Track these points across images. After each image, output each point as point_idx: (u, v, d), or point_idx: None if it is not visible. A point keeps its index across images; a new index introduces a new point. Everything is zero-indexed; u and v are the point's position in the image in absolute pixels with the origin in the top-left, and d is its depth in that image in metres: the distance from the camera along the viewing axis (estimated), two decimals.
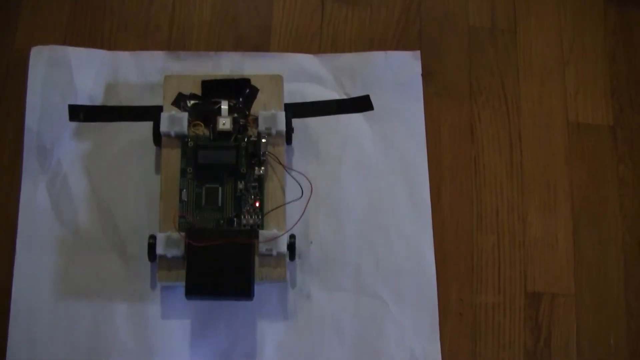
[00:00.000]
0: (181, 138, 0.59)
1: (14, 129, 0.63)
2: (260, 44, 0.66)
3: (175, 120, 0.59)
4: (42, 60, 0.64)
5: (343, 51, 0.66)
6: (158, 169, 0.61)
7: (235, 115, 0.60)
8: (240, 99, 0.61)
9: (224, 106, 0.60)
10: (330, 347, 0.59)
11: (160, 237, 0.56)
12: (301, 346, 0.59)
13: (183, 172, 0.59)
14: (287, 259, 0.58)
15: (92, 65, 0.64)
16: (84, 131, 0.62)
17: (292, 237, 0.58)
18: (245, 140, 0.59)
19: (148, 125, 0.61)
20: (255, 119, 0.60)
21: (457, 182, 0.64)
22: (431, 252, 0.61)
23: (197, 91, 0.61)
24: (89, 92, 0.64)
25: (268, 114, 0.60)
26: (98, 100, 0.64)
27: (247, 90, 0.61)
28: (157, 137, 0.60)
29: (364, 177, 0.63)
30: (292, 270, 0.60)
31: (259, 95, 0.61)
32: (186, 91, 0.61)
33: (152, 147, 0.62)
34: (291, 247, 0.57)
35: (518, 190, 0.64)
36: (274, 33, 0.67)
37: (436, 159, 0.64)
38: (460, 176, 0.64)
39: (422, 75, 0.65)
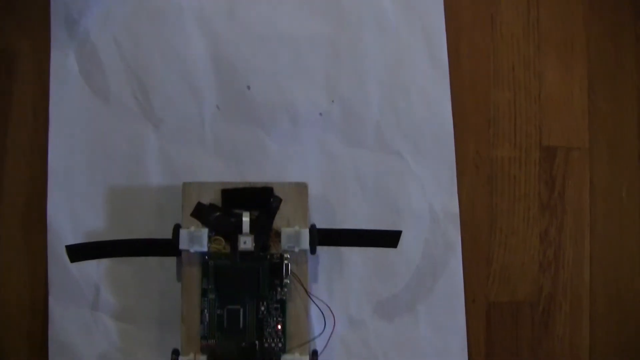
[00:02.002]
0: (201, 254, 0.57)
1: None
2: None
3: (194, 239, 0.56)
4: None
5: None
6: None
7: (257, 231, 0.57)
8: (263, 210, 0.57)
9: (245, 218, 0.57)
10: (354, 201, 0.61)
11: None
12: (325, 209, 0.61)
13: (204, 292, 0.57)
14: None
15: None
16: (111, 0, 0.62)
17: (315, 353, 0.57)
18: (268, 258, 0.57)
19: None
20: (278, 234, 0.57)
21: (474, 39, 0.63)
22: (449, 107, 0.62)
23: (217, 199, 0.58)
24: None
25: (291, 231, 0.56)
26: None
27: (270, 200, 0.57)
28: (177, 250, 0.57)
29: (384, 36, 0.62)
30: None
31: (283, 206, 0.57)
32: (206, 200, 0.58)
33: (177, 15, 0.62)
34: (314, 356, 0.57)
35: (535, 47, 0.63)
36: None
37: (453, 17, 0.63)
38: (478, 33, 0.63)
39: None
